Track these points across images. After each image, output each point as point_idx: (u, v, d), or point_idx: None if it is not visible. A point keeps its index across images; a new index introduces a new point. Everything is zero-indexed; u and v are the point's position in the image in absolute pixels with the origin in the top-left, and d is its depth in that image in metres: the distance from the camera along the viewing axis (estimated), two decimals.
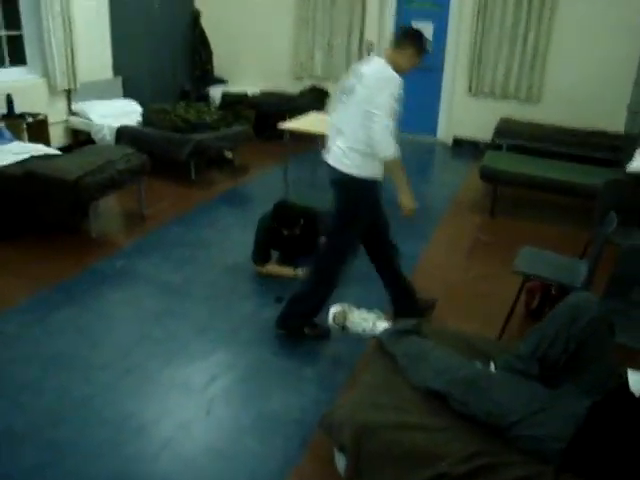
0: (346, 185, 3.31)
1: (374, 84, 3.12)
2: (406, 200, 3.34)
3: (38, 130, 6.34)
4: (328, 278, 3.47)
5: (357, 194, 3.33)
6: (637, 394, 2.16)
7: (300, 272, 4.26)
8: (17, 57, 6.69)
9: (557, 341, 2.24)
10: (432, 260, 4.74)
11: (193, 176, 6.42)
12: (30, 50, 6.71)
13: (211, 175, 6.83)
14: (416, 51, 3.30)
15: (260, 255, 4.37)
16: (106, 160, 4.93)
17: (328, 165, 3.40)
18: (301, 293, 3.55)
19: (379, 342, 2.65)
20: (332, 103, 3.42)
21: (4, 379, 3.09)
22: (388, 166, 3.25)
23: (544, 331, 2.31)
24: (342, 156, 3.28)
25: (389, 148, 3.12)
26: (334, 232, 3.47)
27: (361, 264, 4.60)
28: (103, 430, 2.75)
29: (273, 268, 4.38)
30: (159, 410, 2.91)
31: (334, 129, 3.38)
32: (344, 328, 2.88)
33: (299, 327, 3.56)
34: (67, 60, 6.83)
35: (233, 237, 5.04)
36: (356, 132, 3.19)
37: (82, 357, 3.30)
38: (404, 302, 3.68)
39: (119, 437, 2.71)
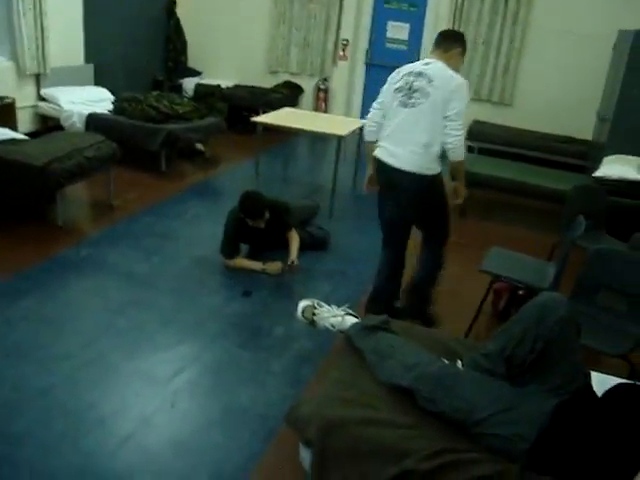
0: (424, 186, 3.42)
1: (452, 89, 3.24)
2: (462, 189, 3.60)
3: (5, 114, 6.20)
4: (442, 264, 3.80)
5: (432, 189, 3.49)
6: (599, 395, 2.19)
7: (268, 267, 4.23)
8: None
9: (524, 340, 2.25)
10: None
11: (163, 167, 6.34)
12: None
13: (182, 166, 6.76)
14: (462, 52, 3.52)
15: (229, 248, 4.32)
16: (75, 147, 4.84)
17: (392, 169, 3.39)
18: (422, 282, 3.76)
19: (347, 337, 2.63)
20: (386, 104, 3.44)
21: None
22: (455, 166, 3.45)
23: (511, 330, 2.32)
24: (418, 159, 3.34)
25: (462, 153, 3.34)
26: (439, 226, 3.67)
27: (331, 261, 4.62)
28: (63, 422, 2.68)
29: (241, 262, 4.34)
30: (122, 402, 2.86)
31: (399, 132, 3.38)
32: (312, 323, 2.87)
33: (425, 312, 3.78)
34: (37, 44, 6.70)
35: (202, 229, 4.98)
36: (430, 134, 3.29)
37: (43, 346, 3.22)
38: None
39: (80, 429, 2.65)
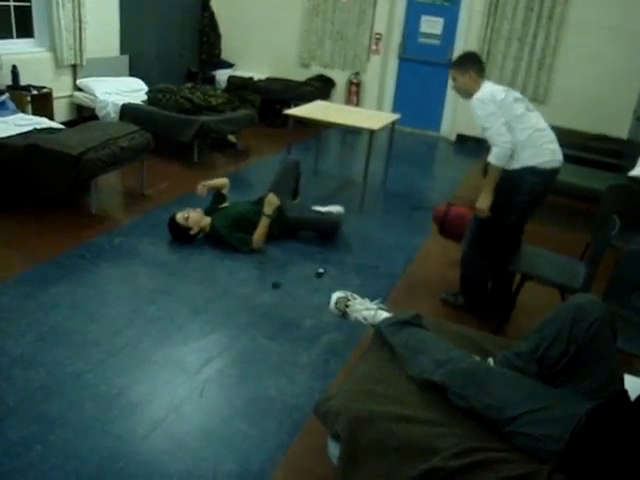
0: None
1: None
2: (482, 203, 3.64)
3: (42, 103, 6.30)
4: None
5: None
6: (632, 399, 2.15)
7: (267, 204, 4.50)
8: (24, 29, 6.62)
9: (557, 342, 2.22)
10: (431, 255, 4.73)
11: (195, 158, 6.39)
12: (38, 23, 6.66)
13: (214, 158, 6.80)
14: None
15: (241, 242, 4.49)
16: (109, 137, 4.90)
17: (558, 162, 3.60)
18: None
19: (378, 331, 2.63)
20: (512, 107, 3.54)
21: None
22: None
23: (545, 331, 2.28)
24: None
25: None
26: None
27: (361, 255, 4.61)
28: (94, 407, 2.73)
29: (258, 235, 4.46)
30: (151, 389, 2.89)
31: (546, 130, 3.61)
32: (344, 314, 2.86)
33: None
34: (75, 35, 6.79)
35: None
36: None
37: (76, 332, 3.28)
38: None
39: (110, 414, 2.70)
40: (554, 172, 3.60)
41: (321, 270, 4.20)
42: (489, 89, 3.57)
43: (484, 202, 3.60)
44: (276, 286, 3.96)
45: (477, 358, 2.39)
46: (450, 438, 2.05)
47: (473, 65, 3.66)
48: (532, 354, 2.31)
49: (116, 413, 2.71)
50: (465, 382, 2.19)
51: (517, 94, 3.64)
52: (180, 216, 4.37)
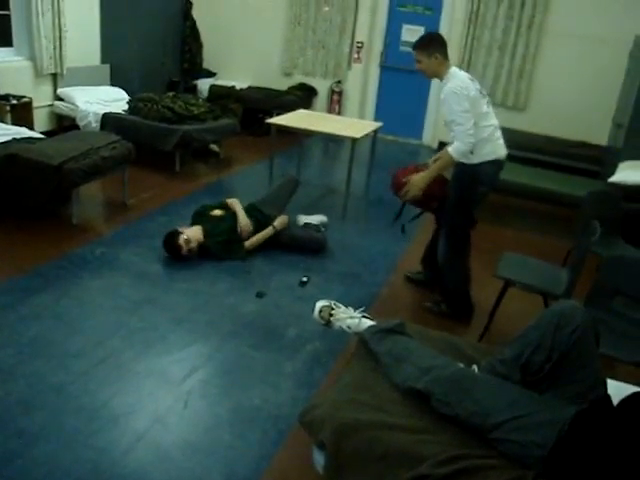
0: None
1: None
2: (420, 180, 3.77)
3: (22, 113, 6.25)
4: None
5: None
6: (615, 403, 2.16)
7: (278, 224, 4.62)
8: (3, 38, 6.57)
9: (540, 348, 2.23)
10: (414, 261, 4.73)
11: (177, 167, 6.37)
12: (17, 31, 6.62)
13: (196, 167, 6.78)
14: None
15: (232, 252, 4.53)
16: (90, 146, 4.86)
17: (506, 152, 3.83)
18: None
19: (362, 340, 2.63)
20: (479, 104, 3.65)
21: None
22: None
23: (528, 337, 2.30)
24: None
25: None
26: None
27: (344, 263, 4.61)
28: (76, 419, 2.70)
29: (253, 241, 4.55)
30: (135, 401, 2.87)
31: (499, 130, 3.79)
32: (328, 323, 2.86)
33: None
34: (55, 44, 6.75)
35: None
36: None
37: (57, 344, 3.24)
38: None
39: (93, 427, 2.66)
40: (504, 162, 3.85)
41: (304, 279, 4.19)
42: (460, 79, 3.63)
43: (422, 180, 3.75)
44: (260, 295, 3.94)
45: (461, 365, 2.39)
46: (436, 445, 2.05)
47: (439, 48, 3.69)
48: (516, 361, 2.32)
49: (99, 425, 2.67)
50: (449, 389, 2.20)
51: (478, 85, 3.72)
52: (182, 241, 4.27)
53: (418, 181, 3.75)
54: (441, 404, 2.19)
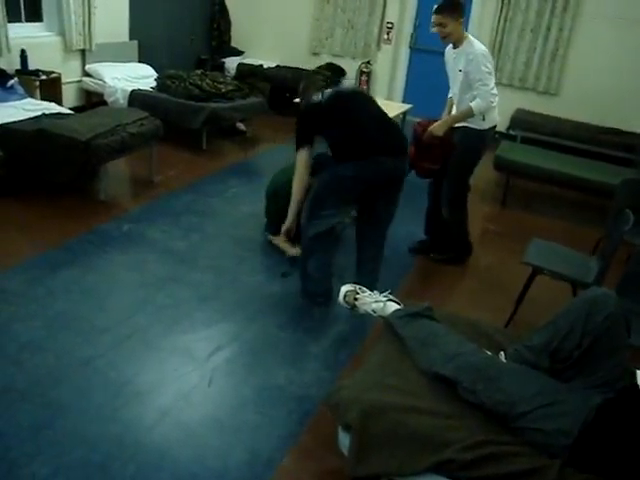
0: None
1: None
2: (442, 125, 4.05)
3: (51, 88, 6.27)
4: None
5: None
6: None
7: (296, 251, 4.19)
8: (34, 13, 6.59)
9: (571, 335, 2.21)
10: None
11: (204, 145, 6.36)
12: (47, 7, 6.60)
13: (223, 145, 6.78)
14: None
15: (271, 226, 4.37)
16: (118, 123, 4.87)
17: None
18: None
19: (388, 324, 2.61)
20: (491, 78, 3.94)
21: (5, 337, 3.05)
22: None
23: (558, 324, 2.27)
24: None
25: None
26: None
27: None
28: (103, 393, 2.73)
29: (279, 240, 4.32)
30: (160, 377, 2.89)
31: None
32: (354, 307, 2.85)
33: None
34: (84, 20, 6.73)
35: (242, 208, 4.98)
36: None
37: (84, 318, 3.27)
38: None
39: (118, 401, 2.69)
40: None
41: (288, 272, 4.02)
42: (482, 44, 3.95)
43: (443, 125, 4.02)
44: (285, 275, 3.94)
45: (488, 352, 2.37)
46: (461, 431, 2.04)
47: (462, 13, 3.89)
48: (545, 347, 2.29)
49: (125, 400, 2.70)
50: (475, 377, 2.18)
51: None
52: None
53: (440, 125, 4.02)
54: (467, 392, 2.18)
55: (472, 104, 3.89)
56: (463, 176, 4.23)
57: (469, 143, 4.09)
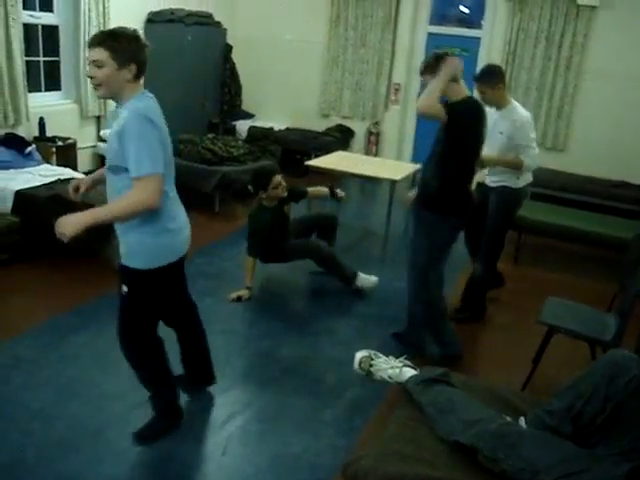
0: None
1: None
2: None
3: (67, 154, 6.39)
4: None
5: None
6: None
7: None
8: (53, 83, 6.81)
9: (593, 400, 2.15)
10: (454, 306, 4.66)
11: (217, 208, 6.42)
12: (65, 76, 6.82)
13: (235, 208, 6.83)
14: None
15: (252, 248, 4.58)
16: None
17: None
18: None
19: (405, 390, 2.57)
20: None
21: (17, 405, 3.02)
22: None
23: (579, 387, 2.22)
24: None
25: None
26: None
27: (384, 307, 4.55)
28: (114, 464, 2.67)
29: (249, 264, 4.51)
30: (174, 446, 2.83)
31: None
32: (369, 374, 2.80)
33: None
34: None
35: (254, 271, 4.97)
36: None
37: (96, 385, 3.24)
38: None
39: (132, 472, 2.64)
40: None
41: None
42: (522, 108, 4.10)
43: (491, 161, 4.10)
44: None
45: (508, 418, 2.31)
46: None
47: (502, 79, 4.01)
48: (567, 412, 2.23)
49: (138, 471, 2.65)
50: (495, 445, 2.12)
51: None
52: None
53: (490, 158, 4.05)
54: (487, 460, 2.12)
55: (525, 158, 4.04)
56: (501, 233, 4.34)
57: (506, 201, 4.24)
